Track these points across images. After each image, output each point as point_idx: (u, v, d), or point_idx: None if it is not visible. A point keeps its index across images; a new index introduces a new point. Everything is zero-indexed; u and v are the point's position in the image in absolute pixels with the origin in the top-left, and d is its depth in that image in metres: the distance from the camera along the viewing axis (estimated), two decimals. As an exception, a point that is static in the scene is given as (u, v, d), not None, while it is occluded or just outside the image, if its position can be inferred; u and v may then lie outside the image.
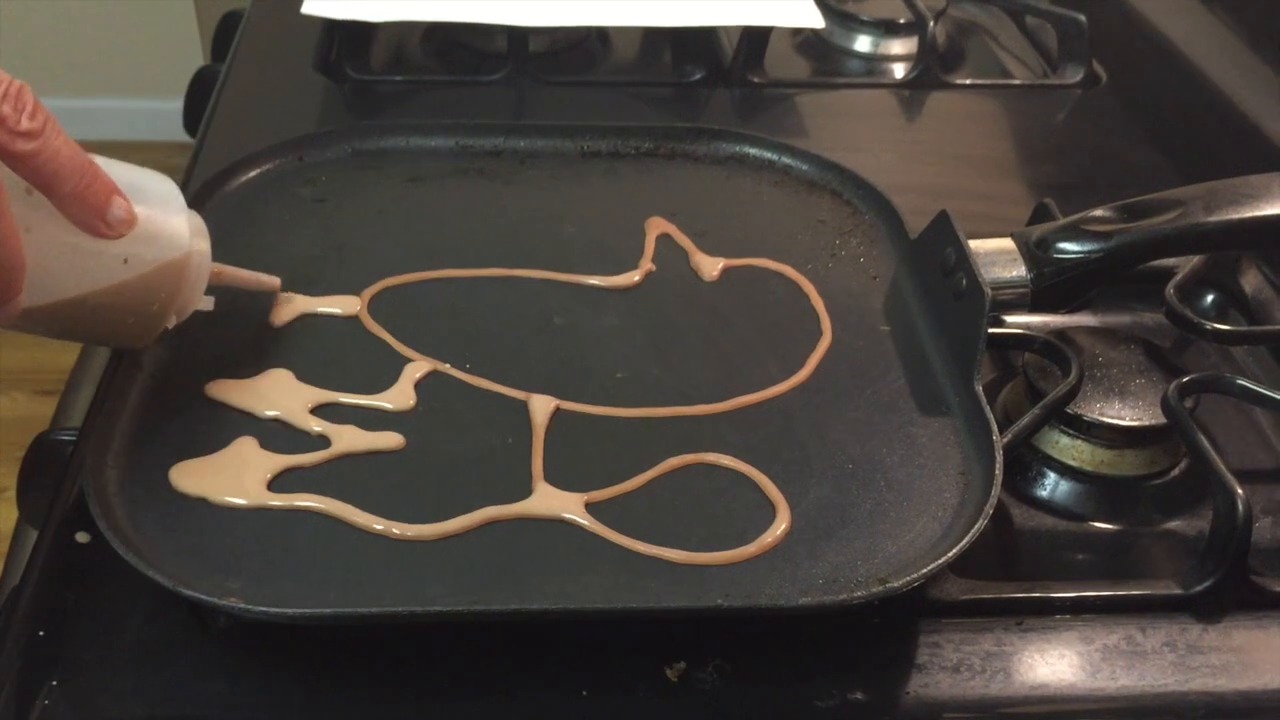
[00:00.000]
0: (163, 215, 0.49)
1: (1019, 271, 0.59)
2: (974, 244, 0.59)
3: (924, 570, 0.47)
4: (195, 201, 0.64)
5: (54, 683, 0.45)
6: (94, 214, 0.45)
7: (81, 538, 0.50)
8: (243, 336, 0.58)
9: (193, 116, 0.91)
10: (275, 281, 0.58)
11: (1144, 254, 0.58)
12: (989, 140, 0.85)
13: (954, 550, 0.47)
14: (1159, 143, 0.82)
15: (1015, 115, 0.87)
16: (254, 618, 0.44)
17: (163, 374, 0.55)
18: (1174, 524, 0.56)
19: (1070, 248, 0.58)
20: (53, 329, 0.49)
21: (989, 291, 0.55)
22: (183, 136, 0.90)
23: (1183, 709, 0.47)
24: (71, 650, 0.46)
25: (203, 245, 0.52)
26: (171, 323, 0.51)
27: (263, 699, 0.45)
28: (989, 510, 0.49)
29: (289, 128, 0.73)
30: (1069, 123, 0.86)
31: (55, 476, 0.54)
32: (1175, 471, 0.57)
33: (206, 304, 0.53)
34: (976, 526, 0.48)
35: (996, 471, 0.50)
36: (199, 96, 0.88)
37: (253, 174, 0.68)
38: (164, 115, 1.58)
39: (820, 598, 0.46)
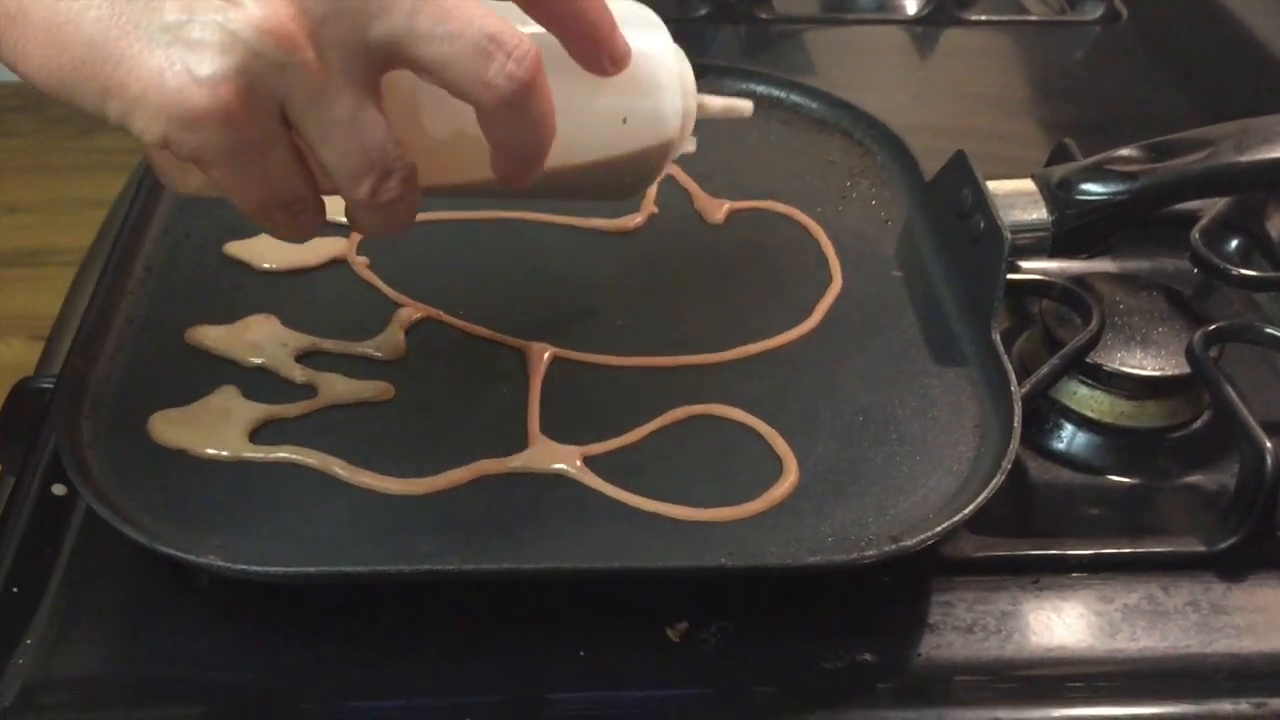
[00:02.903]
0: (657, 60, 0.46)
1: (1040, 214, 0.56)
2: (992, 185, 0.57)
3: (938, 528, 0.45)
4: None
5: (28, 641, 0.43)
6: (603, 50, 0.42)
7: (58, 490, 0.49)
8: (225, 279, 0.56)
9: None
10: (748, 106, 0.54)
11: (1171, 196, 0.56)
12: (1005, 79, 0.83)
13: (970, 507, 0.45)
14: (1181, 81, 0.80)
15: (1032, 53, 0.85)
16: (234, 576, 0.42)
17: (141, 319, 0.53)
18: (1196, 478, 0.54)
19: (1094, 189, 0.56)
20: (548, 192, 0.46)
21: (1008, 235, 0.53)
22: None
23: (1206, 671, 0.46)
24: (47, 608, 0.45)
25: (690, 86, 0.48)
26: (661, 174, 0.49)
27: (247, 658, 0.44)
28: (1007, 465, 0.47)
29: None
30: (1088, 60, 0.85)
31: (32, 426, 0.52)
32: (1198, 423, 0.56)
33: (690, 146, 0.50)
34: (994, 482, 0.46)
35: (1015, 424, 0.48)
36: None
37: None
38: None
39: (829, 557, 0.44)
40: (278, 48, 0.34)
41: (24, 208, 2.01)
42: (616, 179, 0.48)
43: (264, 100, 0.35)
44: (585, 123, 0.44)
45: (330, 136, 0.37)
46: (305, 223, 0.40)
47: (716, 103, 0.53)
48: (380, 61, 0.37)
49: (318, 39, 0.35)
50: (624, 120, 0.45)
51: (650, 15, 0.48)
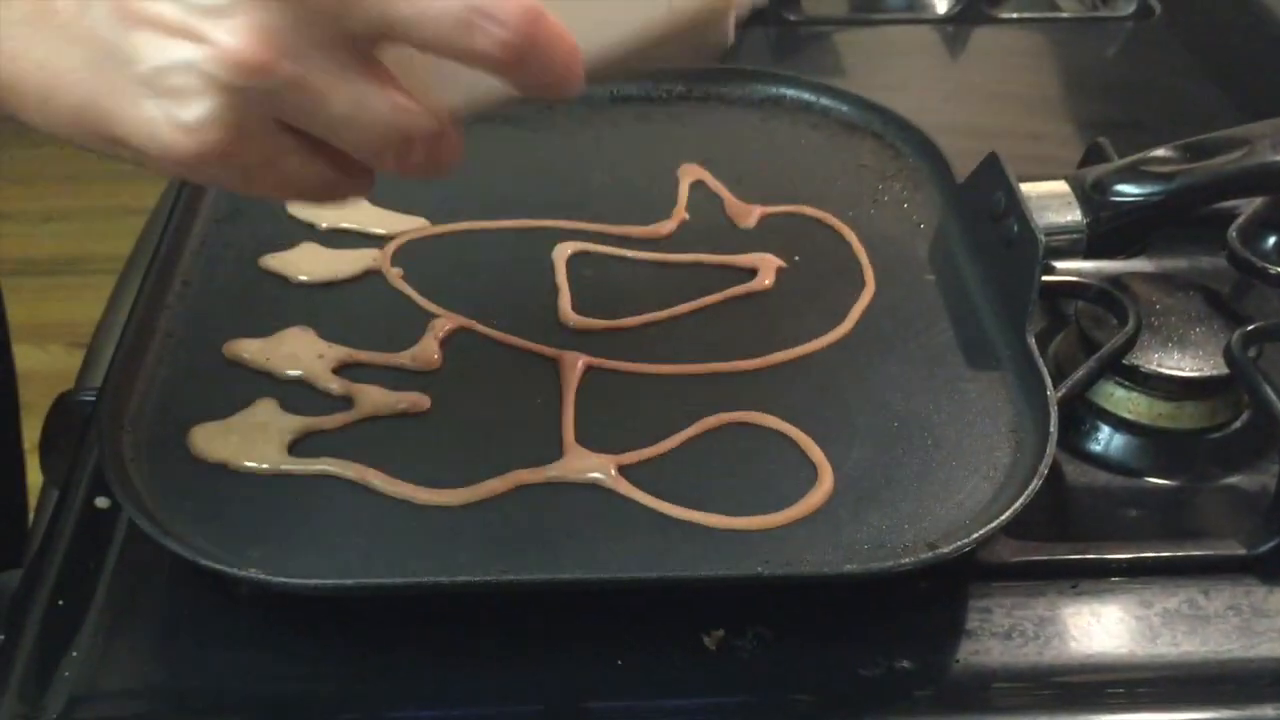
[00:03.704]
0: None
1: (1074, 216, 0.56)
2: (1025, 187, 0.56)
3: (976, 535, 0.44)
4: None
5: (74, 654, 0.44)
6: None
7: (101, 503, 0.49)
8: (261, 292, 0.56)
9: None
10: None
11: (1208, 196, 0.56)
12: (1037, 77, 0.82)
13: (1007, 513, 0.45)
14: (1217, 78, 0.79)
15: (1064, 50, 0.84)
16: (275, 588, 0.43)
17: (179, 333, 0.54)
18: (1235, 479, 0.53)
19: (1129, 190, 0.55)
20: (603, 75, 0.42)
21: (1043, 238, 0.52)
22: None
23: (1247, 676, 0.45)
24: (92, 620, 0.45)
25: None
26: (731, 38, 0.45)
27: (289, 669, 0.44)
28: (1044, 470, 0.47)
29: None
30: (1121, 58, 0.83)
31: (75, 439, 0.53)
32: (1236, 424, 0.55)
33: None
34: (1031, 487, 0.46)
35: (1051, 429, 0.48)
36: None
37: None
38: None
39: (866, 565, 0.44)
40: (254, 76, 0.34)
41: (61, 216, 2.03)
42: (684, 40, 0.43)
43: (256, 124, 0.35)
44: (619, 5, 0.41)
45: (336, 129, 0.36)
46: (356, 195, 0.40)
47: None
48: (368, 44, 0.36)
49: (293, 51, 0.34)
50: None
51: None
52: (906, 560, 0.44)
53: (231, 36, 0.34)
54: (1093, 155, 0.63)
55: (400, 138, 0.37)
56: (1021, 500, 0.45)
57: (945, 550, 0.44)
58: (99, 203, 2.00)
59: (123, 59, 0.34)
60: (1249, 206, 0.60)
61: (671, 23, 0.42)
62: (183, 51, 0.34)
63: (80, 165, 2.11)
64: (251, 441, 0.48)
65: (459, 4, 0.34)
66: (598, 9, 0.40)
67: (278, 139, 0.36)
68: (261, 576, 0.42)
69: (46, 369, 1.67)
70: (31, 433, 0.58)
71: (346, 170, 0.38)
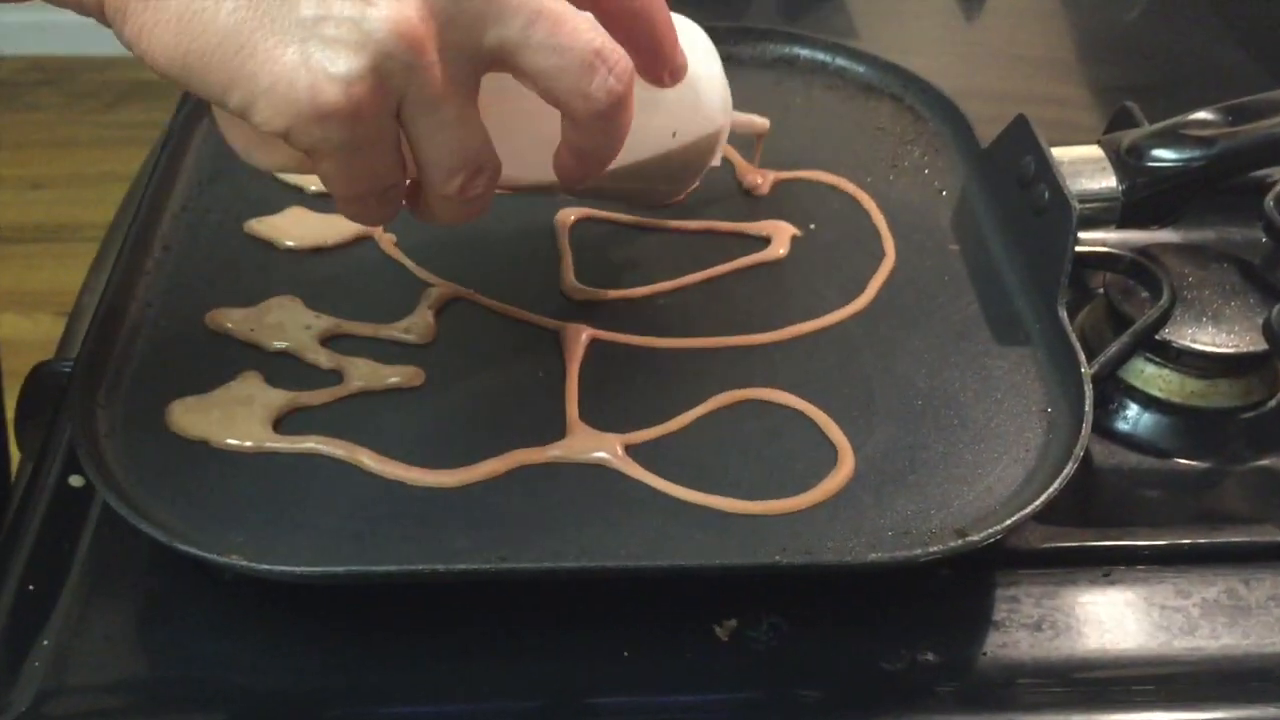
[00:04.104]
0: (706, 76, 0.49)
1: (1109, 183, 0.54)
2: (1056, 152, 0.54)
3: (1006, 522, 0.42)
4: (194, 113, 0.60)
5: (45, 642, 0.42)
6: (664, 63, 0.45)
7: (75, 482, 0.47)
8: (246, 258, 0.53)
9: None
10: (764, 124, 0.58)
11: (1251, 162, 0.54)
12: (1057, 39, 0.80)
13: (1040, 499, 0.43)
14: (1246, 40, 0.77)
15: (1085, 11, 0.82)
16: (258, 575, 0.40)
17: (159, 302, 0.51)
18: (1271, 461, 0.52)
19: (1167, 155, 0.53)
20: (592, 189, 0.48)
21: (1076, 205, 0.50)
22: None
23: (1292, 671, 0.43)
24: (64, 607, 0.43)
25: (729, 106, 0.51)
26: (696, 183, 0.52)
27: (272, 660, 0.42)
28: (1079, 453, 0.44)
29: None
30: (1145, 18, 0.82)
31: (51, 412, 0.50)
32: (1272, 402, 0.53)
33: (716, 161, 0.52)
34: (1065, 471, 0.44)
35: (1086, 408, 0.46)
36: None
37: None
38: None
39: (891, 553, 0.42)
40: (409, 49, 0.35)
41: (49, 183, 2.01)
42: (656, 185, 0.50)
43: (388, 99, 0.36)
44: (643, 123, 0.44)
45: (435, 135, 0.38)
46: (393, 210, 0.40)
47: (739, 119, 0.55)
48: (487, 64, 0.38)
49: (439, 42, 0.36)
50: (674, 133, 0.48)
51: (703, 36, 0.50)
52: (935, 548, 0.42)
53: (397, 6, 0.35)
54: (1121, 120, 0.60)
55: (475, 165, 0.39)
56: (1056, 485, 0.43)
57: (975, 538, 0.42)
58: (85, 169, 1.98)
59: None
60: (1286, 174, 0.58)
61: (670, 154, 0.49)
62: (347, 6, 0.35)
63: (69, 131, 2.08)
64: (234, 417, 0.46)
65: (588, 45, 0.38)
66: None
67: (389, 123, 0.37)
68: (243, 563, 0.40)
69: (33, 337, 1.65)
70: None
71: (404, 179, 0.39)
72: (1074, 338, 0.49)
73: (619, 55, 0.39)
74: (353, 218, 0.41)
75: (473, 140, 0.38)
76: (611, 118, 0.39)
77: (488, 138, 0.39)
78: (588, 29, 0.38)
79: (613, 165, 0.43)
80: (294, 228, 0.55)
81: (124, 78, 2.10)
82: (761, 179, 0.59)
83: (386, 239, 0.55)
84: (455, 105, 0.37)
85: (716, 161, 0.52)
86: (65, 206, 1.95)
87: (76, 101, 2.12)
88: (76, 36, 2.15)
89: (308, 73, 0.35)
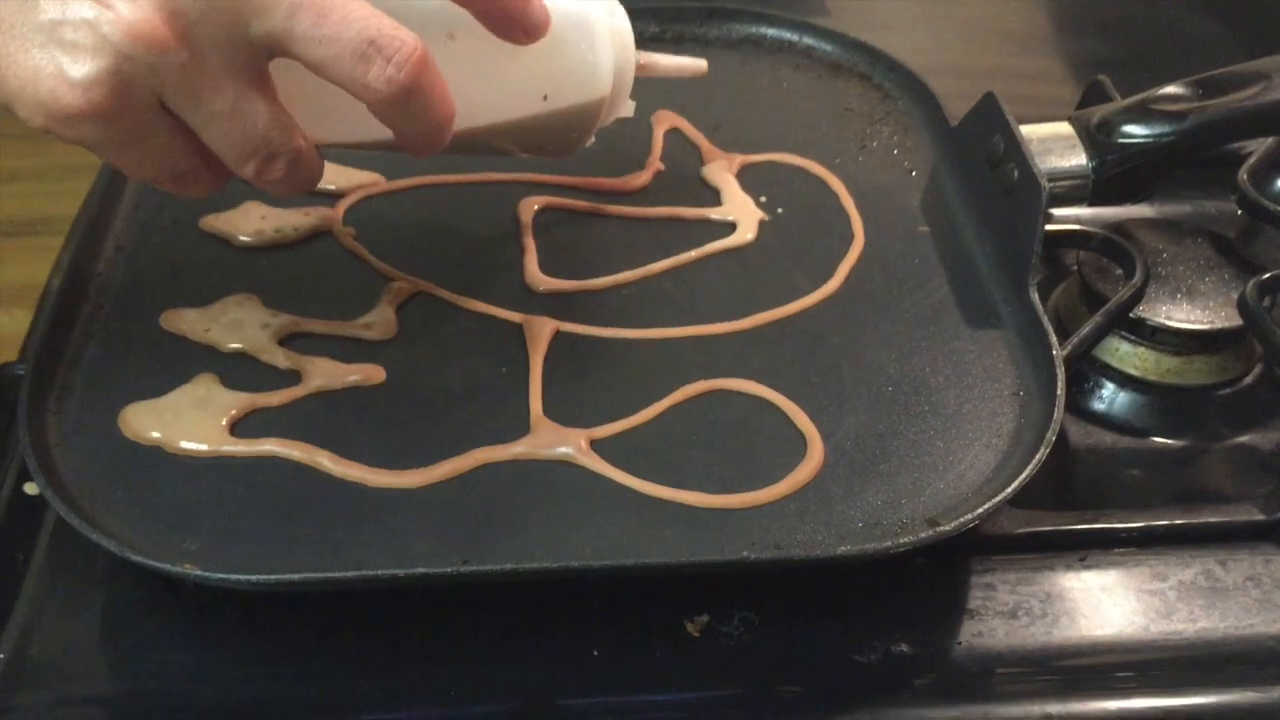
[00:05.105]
0: (582, 21, 0.45)
1: (1079, 160, 0.53)
2: (1025, 129, 0.53)
3: (979, 510, 0.42)
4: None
5: (1, 655, 0.41)
6: (515, 22, 0.43)
7: (30, 489, 0.46)
8: (201, 257, 0.52)
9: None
10: (701, 65, 0.54)
11: (1222, 136, 0.53)
12: (1030, 13, 0.80)
13: (1012, 485, 0.42)
14: (1220, 11, 0.77)
15: (1060, -16, 0.81)
16: (213, 585, 0.39)
17: (112, 303, 0.50)
18: (1249, 438, 0.51)
19: (1138, 131, 0.52)
20: (473, 151, 0.48)
21: (1046, 184, 0.50)
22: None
23: (1269, 654, 0.43)
24: (19, 618, 0.42)
25: (628, 44, 0.48)
26: (591, 140, 0.50)
27: (238, 670, 0.41)
28: (1051, 437, 0.44)
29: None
30: None
31: (7, 417, 0.49)
32: (1249, 379, 0.53)
33: (628, 110, 0.50)
34: (1038, 456, 0.43)
35: (1058, 391, 0.45)
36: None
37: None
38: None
39: (861, 545, 0.41)
40: (149, 50, 0.35)
41: (23, 176, 1.98)
42: (546, 138, 0.48)
43: (138, 96, 0.36)
44: (506, 86, 0.44)
45: (210, 126, 0.38)
46: (197, 191, 0.41)
47: (666, 61, 0.53)
48: (265, 54, 0.38)
49: (192, 38, 0.36)
50: (546, 88, 0.45)
51: None
52: (905, 539, 0.41)
53: (135, 9, 0.35)
54: (1093, 95, 0.60)
55: (265, 151, 0.39)
56: (1028, 471, 0.43)
57: (946, 527, 0.41)
58: (60, 161, 1.95)
59: (28, 4, 0.36)
60: (1260, 147, 0.58)
61: (544, 115, 0.46)
62: (85, 9, 0.35)
63: (40, 123, 2.06)
64: (189, 421, 0.45)
65: (359, 35, 0.37)
66: (480, 88, 0.44)
67: (154, 117, 0.37)
68: (198, 573, 0.39)
69: (9, 332, 1.63)
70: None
71: (207, 164, 0.40)
72: (1045, 319, 0.48)
73: (399, 43, 0.37)
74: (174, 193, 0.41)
75: (254, 128, 0.38)
76: (403, 104, 0.38)
77: (281, 123, 0.38)
78: (361, 15, 0.37)
79: (471, 126, 0.43)
80: (250, 223, 0.53)
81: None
82: (728, 162, 0.58)
83: (346, 233, 0.54)
84: (229, 96, 0.37)
85: (628, 112, 0.50)
86: (38, 200, 1.92)
87: (48, 94, 2.10)
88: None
89: (48, 77, 0.36)
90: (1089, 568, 0.45)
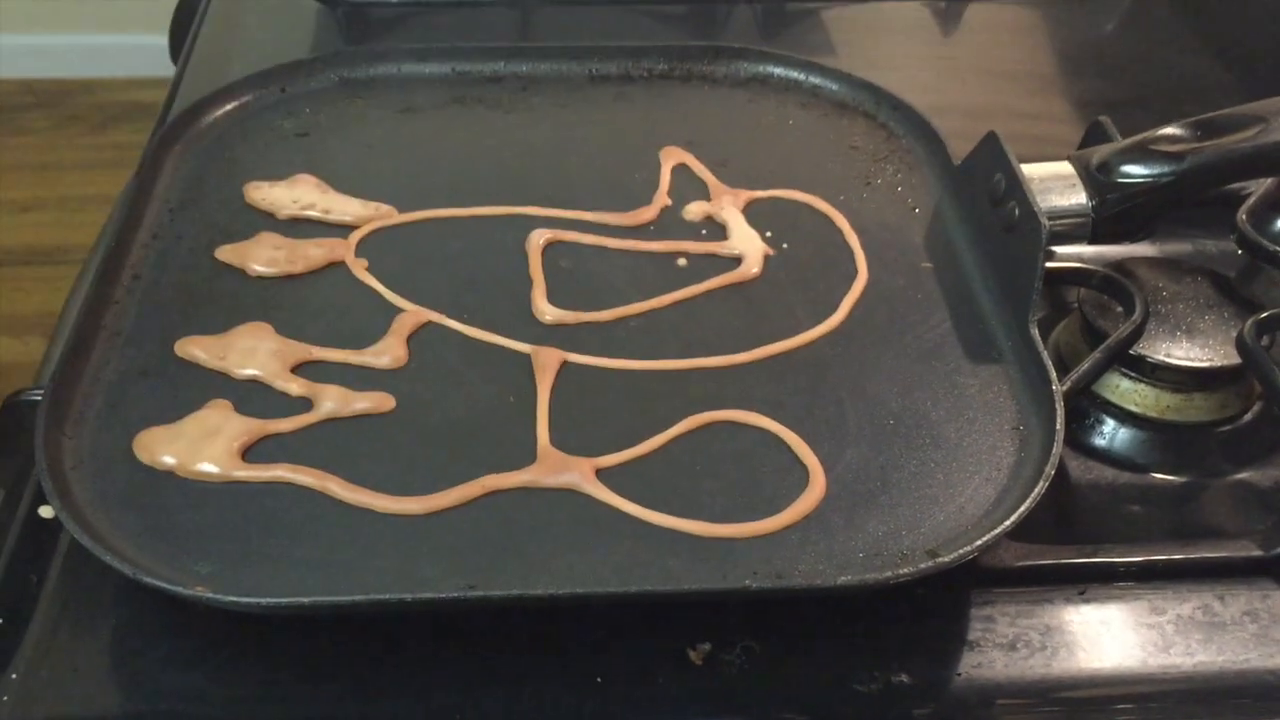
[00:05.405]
0: None
1: (1079, 199, 0.54)
2: (1027, 168, 0.54)
3: (978, 542, 0.42)
4: (165, 139, 0.60)
5: (14, 676, 0.41)
6: None
7: (45, 513, 0.47)
8: (216, 286, 0.53)
9: (178, 48, 0.86)
10: None
11: (1220, 177, 0.53)
12: (1033, 55, 0.80)
13: (1012, 518, 0.43)
14: (1220, 53, 0.77)
15: (1061, 26, 0.82)
16: (225, 607, 0.40)
17: (128, 331, 0.51)
18: (1246, 475, 0.51)
19: (1137, 171, 0.53)
20: None
21: (1046, 222, 0.50)
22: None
23: (1266, 688, 0.43)
24: (33, 638, 0.42)
25: None
26: None
27: (249, 691, 0.41)
28: (1050, 471, 0.44)
29: (277, 56, 0.68)
30: (1120, 32, 0.82)
31: (25, 442, 0.50)
32: (1248, 416, 0.53)
33: None
34: (1037, 490, 0.44)
35: (1057, 426, 0.46)
36: (184, 25, 0.83)
37: (230, 107, 0.63)
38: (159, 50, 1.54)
39: (861, 575, 0.42)
40: None
41: (38, 206, 2.00)
42: None
43: None
44: None
45: None
46: None
47: None
48: None
49: None
50: None
51: None
52: (905, 570, 0.41)
53: None
54: (1094, 135, 0.60)
55: None
56: (1027, 504, 0.43)
57: (946, 559, 0.42)
58: (75, 191, 1.97)
59: None
60: (1259, 188, 0.58)
61: None
62: None
63: (59, 154, 2.08)
64: (202, 446, 0.46)
65: None
66: None
67: None
68: (210, 595, 0.40)
69: (25, 360, 1.64)
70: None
71: None
72: (1045, 355, 0.49)
73: None
74: None
75: None
76: None
77: None
78: None
79: None
80: (264, 254, 0.54)
81: (114, 100, 2.10)
82: (734, 197, 0.59)
83: (358, 264, 0.54)
84: None
85: None
86: (55, 229, 1.94)
87: (67, 124, 2.11)
88: (67, 60, 2.15)
89: None
90: (1088, 601, 0.45)
